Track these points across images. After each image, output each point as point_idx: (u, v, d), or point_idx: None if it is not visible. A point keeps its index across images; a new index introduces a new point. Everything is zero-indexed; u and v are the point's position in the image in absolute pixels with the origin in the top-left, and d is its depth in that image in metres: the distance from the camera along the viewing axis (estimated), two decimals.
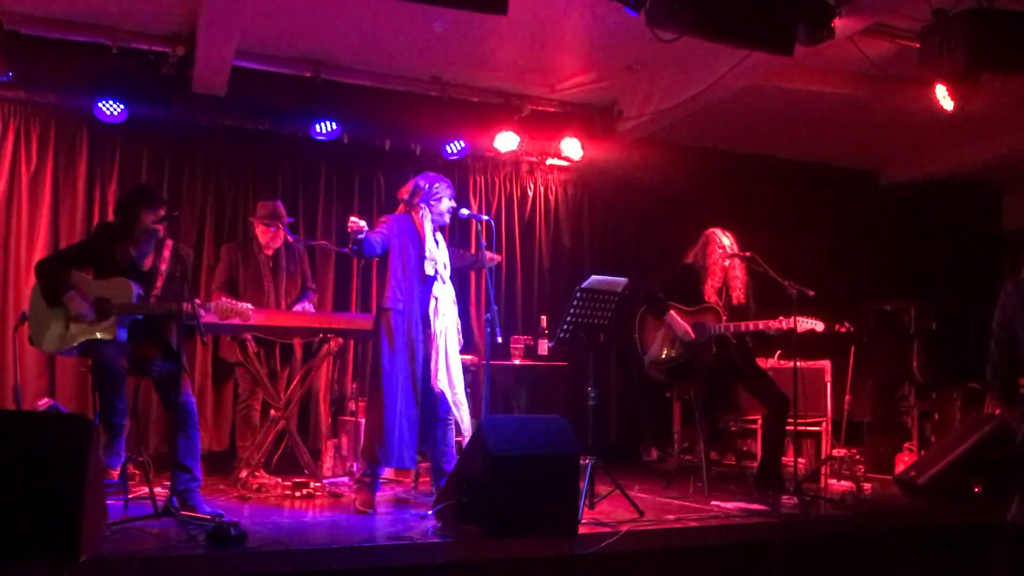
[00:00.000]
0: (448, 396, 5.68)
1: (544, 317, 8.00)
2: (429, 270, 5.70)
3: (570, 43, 7.30)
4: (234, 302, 5.56)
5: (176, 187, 7.72)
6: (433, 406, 5.72)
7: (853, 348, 7.67)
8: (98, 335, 5.27)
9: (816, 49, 5.96)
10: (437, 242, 5.81)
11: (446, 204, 5.83)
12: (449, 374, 5.71)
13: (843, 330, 6.75)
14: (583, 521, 5.08)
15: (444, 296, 5.75)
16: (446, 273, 5.80)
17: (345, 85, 7.74)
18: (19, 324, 5.81)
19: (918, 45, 5.93)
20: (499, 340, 5.69)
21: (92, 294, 5.32)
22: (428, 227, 5.76)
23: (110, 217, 7.26)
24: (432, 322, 5.69)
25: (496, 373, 7.31)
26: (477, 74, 7.90)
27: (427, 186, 5.81)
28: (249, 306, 5.61)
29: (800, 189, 9.96)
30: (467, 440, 5.62)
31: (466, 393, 5.85)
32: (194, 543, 4.36)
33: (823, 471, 7.26)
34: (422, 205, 5.79)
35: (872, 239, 10.22)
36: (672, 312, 6.74)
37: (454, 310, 5.84)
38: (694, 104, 7.66)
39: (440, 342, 5.70)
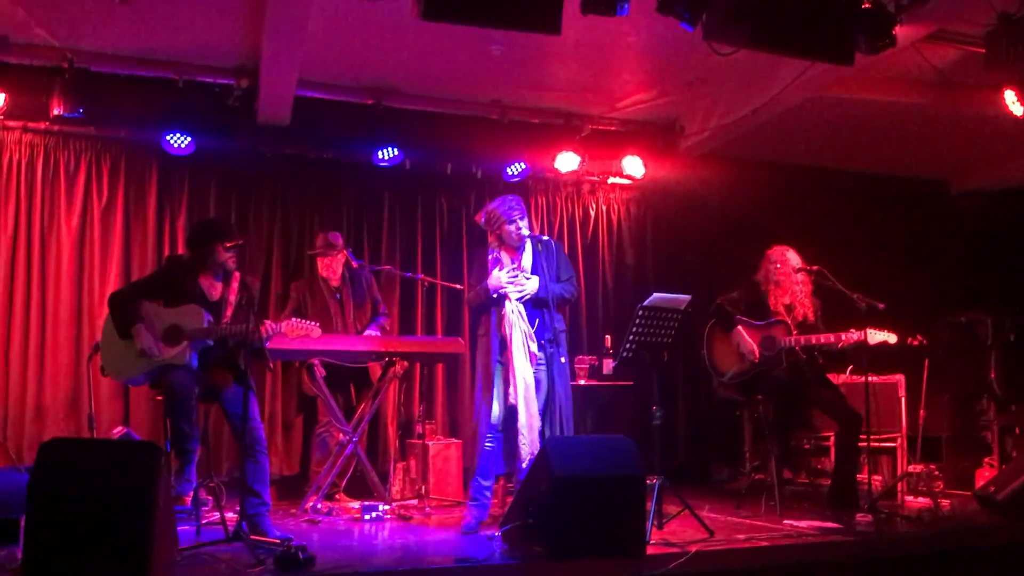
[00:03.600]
0: (521, 415, 5.67)
1: (608, 336, 7.95)
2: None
3: (628, 61, 7.28)
4: (303, 321, 5.64)
5: (243, 216, 7.86)
6: (512, 423, 5.74)
7: (927, 362, 7.49)
8: (170, 361, 5.37)
9: (879, 58, 5.87)
10: (514, 260, 5.89)
11: (510, 227, 5.86)
12: (522, 392, 5.68)
13: (916, 344, 6.59)
14: (651, 542, 5.01)
15: (512, 313, 5.75)
16: (515, 291, 5.78)
17: (406, 111, 7.82)
18: (92, 354, 5.94)
19: (983, 50, 5.81)
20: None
21: (164, 322, 5.42)
22: (500, 252, 5.91)
23: (180, 248, 7.44)
24: (507, 341, 5.73)
25: None
26: (536, 95, 7.92)
27: (485, 219, 5.98)
28: (317, 325, 5.69)
29: (869, 201, 9.78)
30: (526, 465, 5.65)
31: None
32: (263, 568, 4.40)
33: (899, 488, 7.09)
34: (490, 236, 5.95)
35: (945, 250, 9.99)
36: (739, 328, 6.66)
37: (524, 327, 5.77)
38: (756, 118, 7.60)
39: (511, 360, 5.71)
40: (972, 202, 10.16)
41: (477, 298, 5.90)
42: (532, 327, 5.78)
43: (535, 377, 5.75)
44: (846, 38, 5.54)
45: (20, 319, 7.18)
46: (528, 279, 5.82)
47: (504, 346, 5.76)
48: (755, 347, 6.58)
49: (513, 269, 5.83)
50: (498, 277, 5.77)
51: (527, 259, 5.92)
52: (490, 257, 5.92)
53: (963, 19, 5.99)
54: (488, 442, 5.76)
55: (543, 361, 5.80)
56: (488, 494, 5.87)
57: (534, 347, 5.77)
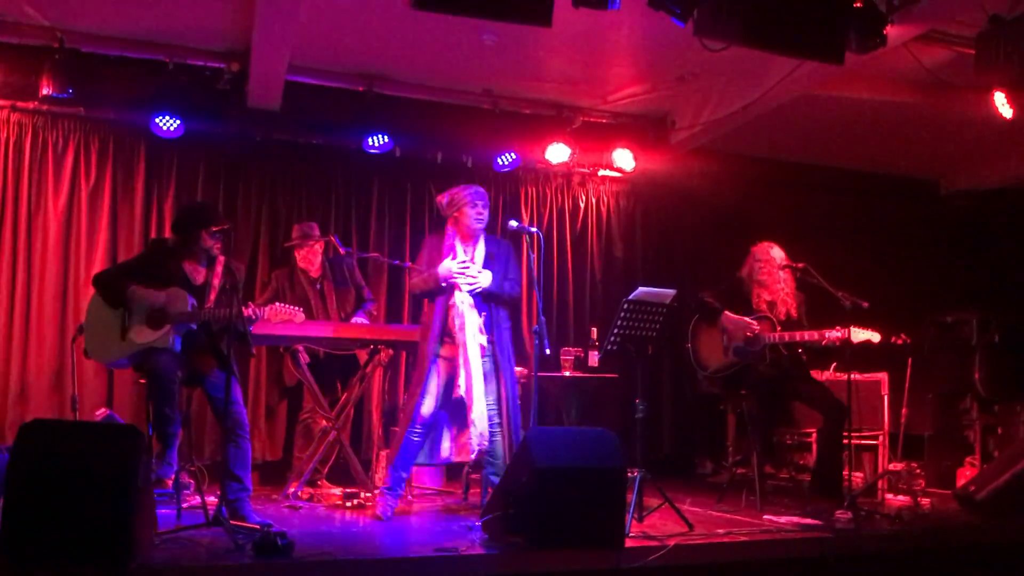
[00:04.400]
0: (475, 406, 5.70)
1: (595, 329, 7.96)
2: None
3: (620, 54, 7.29)
4: (286, 306, 5.62)
5: (231, 201, 7.84)
6: (463, 415, 5.77)
7: (911, 360, 7.52)
8: (153, 344, 5.35)
9: (872, 56, 5.88)
10: (467, 251, 5.87)
11: (471, 210, 5.85)
12: (469, 384, 5.70)
13: (899, 342, 6.61)
14: (631, 534, 5.04)
15: (462, 304, 5.75)
16: (465, 282, 5.78)
17: (397, 99, 7.82)
18: (76, 336, 5.92)
19: (974, 52, 5.82)
20: (547, 352, 5.66)
21: (147, 305, 5.40)
22: (455, 239, 5.88)
23: (167, 230, 7.42)
24: (454, 332, 5.74)
25: (546, 385, 7.30)
26: (528, 86, 7.91)
27: (448, 199, 5.94)
28: (300, 310, 5.67)
29: (858, 199, 9.83)
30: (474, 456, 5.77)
31: (491, 410, 5.82)
32: (241, 552, 4.41)
33: (880, 485, 7.12)
34: (450, 218, 5.92)
35: (933, 249, 10.01)
36: (727, 313, 6.66)
37: (476, 319, 5.80)
38: (747, 114, 7.60)
39: (462, 352, 5.73)
40: (961, 201, 10.19)
41: (424, 284, 5.84)
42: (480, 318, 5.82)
43: (483, 369, 5.77)
44: (837, 37, 5.55)
45: (5, 299, 7.15)
46: (480, 272, 5.81)
47: (450, 337, 5.76)
48: (751, 322, 6.57)
49: (465, 260, 5.81)
50: (448, 267, 5.73)
51: (480, 252, 5.91)
52: (446, 243, 5.87)
53: (954, 20, 6.01)
54: (415, 435, 5.75)
55: (490, 354, 5.83)
56: (404, 486, 5.99)
57: (483, 339, 5.79)
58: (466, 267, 5.77)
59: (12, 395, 7.08)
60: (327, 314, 7.02)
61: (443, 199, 5.98)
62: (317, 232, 7.17)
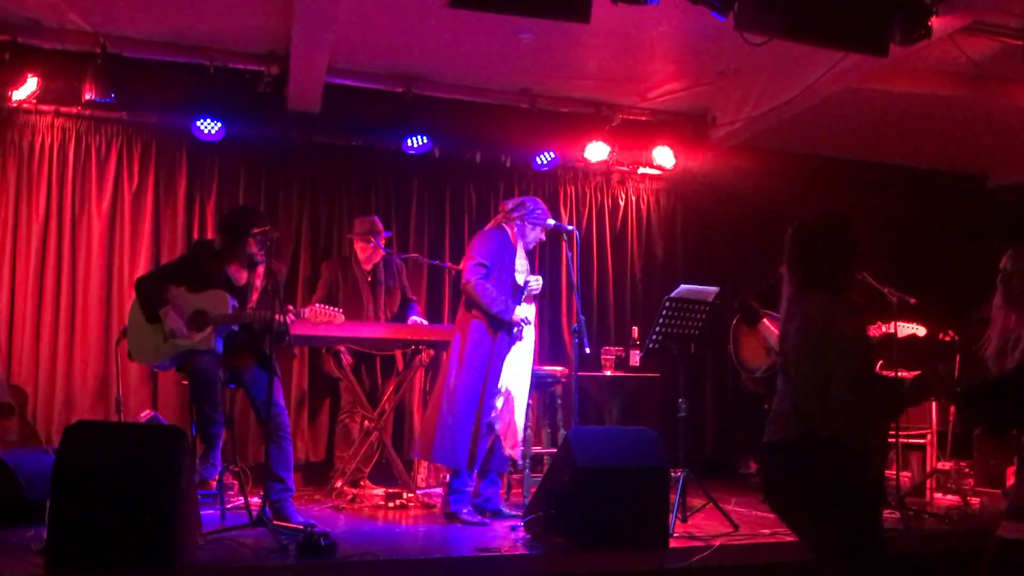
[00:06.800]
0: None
1: (635, 328, 7.91)
2: (520, 280, 5.75)
3: (659, 50, 7.21)
4: (327, 307, 5.63)
5: (272, 203, 7.87)
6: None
7: (959, 357, 7.38)
8: (195, 346, 5.38)
9: (916, 49, 5.78)
10: (526, 260, 5.88)
11: (539, 233, 5.87)
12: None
13: (947, 339, 6.50)
14: (675, 535, 5.01)
15: (528, 314, 5.75)
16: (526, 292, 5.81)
17: (436, 99, 7.80)
18: (120, 339, 5.97)
19: (1022, 43, 5.72)
20: (587, 351, 5.63)
21: (189, 307, 5.42)
22: (519, 243, 5.84)
23: (210, 233, 7.47)
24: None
25: (587, 384, 7.25)
26: (566, 84, 7.87)
27: (531, 207, 5.85)
28: (340, 312, 5.67)
29: (903, 194, 9.65)
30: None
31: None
32: (285, 553, 4.43)
33: (928, 485, 7.00)
34: (519, 221, 5.83)
35: (980, 245, 9.79)
36: (765, 321, 6.58)
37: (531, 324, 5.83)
38: (789, 109, 7.51)
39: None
40: (1009, 196, 9.99)
41: (491, 307, 5.60)
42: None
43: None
44: (881, 29, 5.47)
45: (51, 302, 7.24)
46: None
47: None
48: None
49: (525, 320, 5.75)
50: (521, 318, 5.66)
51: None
52: (513, 247, 5.80)
53: (1001, 10, 5.89)
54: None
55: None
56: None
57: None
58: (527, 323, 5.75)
59: (58, 398, 7.15)
60: (376, 310, 7.03)
61: (527, 202, 5.89)
62: (381, 225, 7.17)
